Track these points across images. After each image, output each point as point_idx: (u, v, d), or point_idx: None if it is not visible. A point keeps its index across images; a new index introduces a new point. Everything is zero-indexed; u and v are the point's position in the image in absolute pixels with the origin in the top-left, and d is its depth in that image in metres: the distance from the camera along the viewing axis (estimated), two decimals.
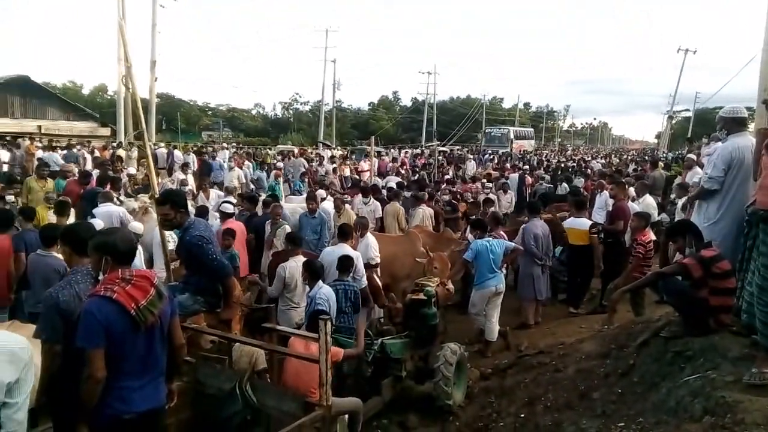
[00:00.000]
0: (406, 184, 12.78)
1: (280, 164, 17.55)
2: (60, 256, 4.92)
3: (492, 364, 6.21)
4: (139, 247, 6.06)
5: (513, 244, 6.94)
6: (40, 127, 24.55)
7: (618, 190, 8.16)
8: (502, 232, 7.36)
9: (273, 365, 4.60)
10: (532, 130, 56.71)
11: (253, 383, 3.87)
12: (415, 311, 5.45)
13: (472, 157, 27.19)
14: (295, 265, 5.90)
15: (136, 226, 6.81)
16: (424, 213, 9.46)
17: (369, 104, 70.44)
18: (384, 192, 10.88)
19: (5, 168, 14.65)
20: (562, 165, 24.15)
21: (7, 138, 20.59)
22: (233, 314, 4.31)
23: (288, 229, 7.40)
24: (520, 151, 37.57)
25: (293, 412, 3.63)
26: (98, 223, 6.98)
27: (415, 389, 5.42)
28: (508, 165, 22.39)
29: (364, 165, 18.87)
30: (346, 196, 10.26)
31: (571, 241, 7.71)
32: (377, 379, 5.04)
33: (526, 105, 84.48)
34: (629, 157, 33.55)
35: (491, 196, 11.14)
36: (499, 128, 48.07)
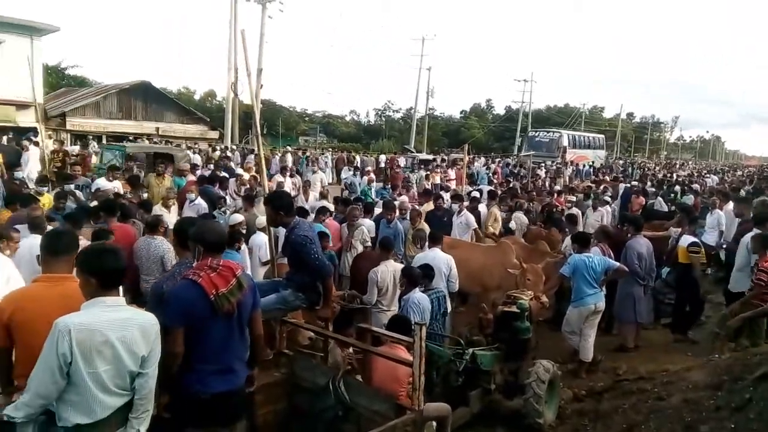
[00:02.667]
0: (499, 193, 12.53)
1: (369, 168, 17.95)
2: (161, 239, 5.91)
3: (586, 386, 5.92)
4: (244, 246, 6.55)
5: (616, 263, 6.55)
6: (158, 129, 26.87)
7: (742, 207, 7.50)
8: (605, 247, 6.95)
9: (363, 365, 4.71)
10: (602, 137, 45.18)
11: (346, 381, 3.99)
12: (507, 324, 5.34)
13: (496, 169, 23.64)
14: (386, 269, 6.00)
15: (237, 218, 7.21)
16: (521, 221, 9.22)
17: (461, 112, 70.01)
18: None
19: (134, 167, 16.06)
20: (669, 180, 22.60)
21: (130, 138, 22.75)
22: (330, 313, 4.45)
23: (366, 231, 7.51)
24: (578, 163, 31.12)
25: (384, 412, 3.70)
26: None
27: (504, 404, 5.29)
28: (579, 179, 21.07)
29: (452, 173, 18.81)
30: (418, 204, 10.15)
31: (680, 259, 7.18)
32: (466, 389, 4.99)
33: (629, 115, 79.93)
34: (745, 174, 30.70)
35: (573, 210, 10.64)
36: (547, 132, 38.82)
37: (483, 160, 27.27)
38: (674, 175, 27.79)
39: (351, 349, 4.44)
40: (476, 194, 11.43)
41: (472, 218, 9.31)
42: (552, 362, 5.34)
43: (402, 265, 6.26)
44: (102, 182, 9.48)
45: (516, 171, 21.60)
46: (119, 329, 2.51)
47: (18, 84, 21.09)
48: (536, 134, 38.64)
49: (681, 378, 5.11)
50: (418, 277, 5.28)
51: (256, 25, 27.02)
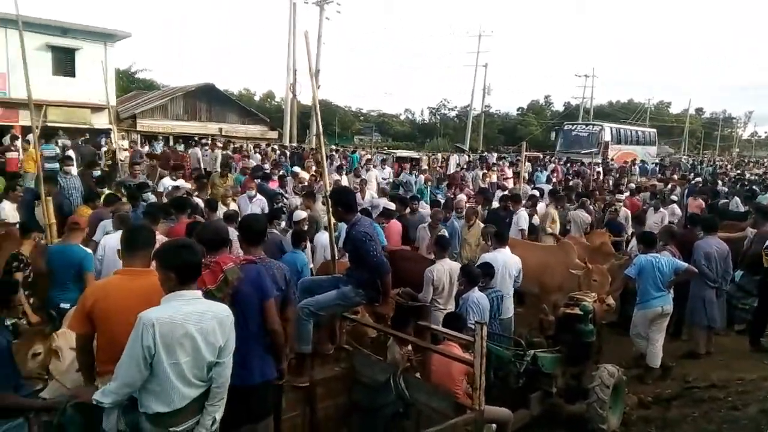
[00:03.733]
0: (560, 191, 12.16)
1: (425, 167, 17.88)
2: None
3: (653, 392, 5.70)
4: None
5: (684, 264, 6.25)
6: (221, 129, 27.88)
7: None
8: (674, 249, 6.65)
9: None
10: (653, 131, 39.09)
11: (406, 377, 4.02)
12: (569, 326, 5.20)
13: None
14: (441, 268, 5.97)
15: (300, 214, 7.37)
16: (580, 219, 8.94)
17: (518, 109, 68.57)
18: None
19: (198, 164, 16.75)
20: (742, 178, 21.29)
21: (195, 139, 23.75)
22: (388, 309, 4.50)
23: (446, 234, 7.37)
24: (624, 161, 26.85)
25: (443, 410, 3.70)
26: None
27: (566, 408, 5.17)
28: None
29: (508, 171, 18.43)
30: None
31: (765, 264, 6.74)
32: (526, 391, 4.91)
33: (698, 110, 75.66)
34: None
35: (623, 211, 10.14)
36: (586, 125, 33.24)
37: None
38: (746, 174, 26.10)
39: (410, 347, 4.46)
40: (535, 193, 11.18)
41: (522, 219, 9.05)
42: (617, 367, 5.17)
43: (458, 264, 6.23)
44: (167, 181, 9.99)
45: (575, 170, 20.85)
46: (198, 321, 2.63)
47: (93, 88, 22.38)
48: (573, 127, 32.76)
49: (758, 387, 4.85)
50: (477, 275, 5.23)
51: (313, 26, 27.56)
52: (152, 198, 8.59)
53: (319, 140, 5.39)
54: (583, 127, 32.85)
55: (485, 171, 16.94)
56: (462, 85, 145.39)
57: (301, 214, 7.18)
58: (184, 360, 2.59)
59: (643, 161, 26.58)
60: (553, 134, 38.12)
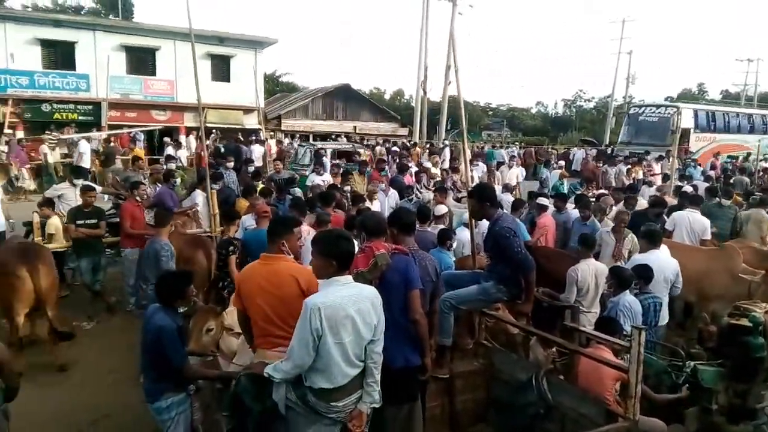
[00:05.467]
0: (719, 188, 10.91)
1: (562, 162, 17.06)
2: None
3: None
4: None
5: None
6: (355, 127, 29.18)
7: None
8: None
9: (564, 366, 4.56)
10: (764, 113, 28.04)
11: (549, 379, 3.91)
12: (735, 339, 4.67)
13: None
14: (587, 268, 5.69)
15: (441, 209, 7.41)
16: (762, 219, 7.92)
17: (666, 98, 62.65)
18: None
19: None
20: None
21: (332, 137, 25.12)
22: (530, 308, 4.40)
23: (635, 240, 6.93)
24: (715, 155, 21.21)
25: (592, 416, 3.55)
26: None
27: (727, 428, 4.66)
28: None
29: (656, 167, 16.92)
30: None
31: None
32: (681, 406, 4.52)
33: None
34: None
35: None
36: (656, 107, 24.85)
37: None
38: None
39: (554, 348, 4.32)
40: (688, 189, 10.15)
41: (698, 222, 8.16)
42: None
43: (604, 265, 5.89)
44: (313, 177, 10.72)
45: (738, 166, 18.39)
46: (356, 303, 2.85)
47: (244, 91, 24.66)
48: (640, 111, 24.95)
49: None
50: (629, 278, 4.91)
51: (445, 22, 27.57)
52: (298, 192, 9.26)
53: (464, 137, 5.42)
54: (653, 110, 24.50)
55: (629, 166, 15.75)
56: (601, 75, 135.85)
57: (442, 209, 7.23)
58: (347, 339, 2.81)
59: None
60: (613, 120, 31.37)
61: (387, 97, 62.92)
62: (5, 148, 15.83)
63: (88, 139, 16.69)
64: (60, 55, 22.13)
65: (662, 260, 5.67)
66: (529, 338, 4.68)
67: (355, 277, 3.21)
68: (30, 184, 14.90)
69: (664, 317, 5.55)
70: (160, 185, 9.18)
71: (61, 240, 7.59)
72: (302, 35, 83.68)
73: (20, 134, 19.65)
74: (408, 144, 22.50)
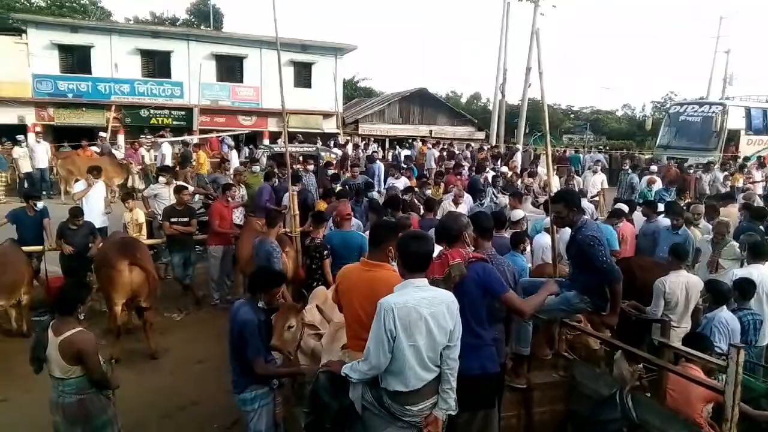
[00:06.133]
0: None
1: (654, 167, 16.07)
2: None
3: None
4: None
5: None
6: (431, 131, 29.15)
7: None
8: None
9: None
10: None
11: (635, 396, 3.72)
12: None
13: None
14: (676, 280, 5.35)
15: (518, 214, 7.26)
16: None
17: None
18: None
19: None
20: None
21: (408, 141, 25.22)
22: (615, 320, 4.19)
23: (736, 246, 6.53)
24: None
25: None
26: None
27: None
28: None
29: (757, 174, 15.56)
30: None
31: None
32: None
33: None
34: None
35: None
36: (699, 106, 21.27)
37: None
38: None
39: (641, 364, 4.09)
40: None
41: None
42: None
43: (697, 278, 5.51)
44: (391, 180, 10.88)
45: None
46: (430, 306, 2.82)
47: (324, 97, 25.36)
48: (681, 110, 21.55)
49: None
50: (726, 293, 4.56)
51: (526, 23, 26.89)
52: (376, 195, 9.41)
53: (546, 140, 5.27)
54: (695, 108, 20.81)
55: (725, 173, 14.63)
56: (694, 75, 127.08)
57: (519, 214, 7.07)
58: (421, 342, 2.79)
59: None
60: (647, 119, 26.90)
61: (463, 100, 62.37)
62: (121, 150, 17.22)
63: (172, 143, 17.74)
64: (157, 64, 23.79)
65: (765, 275, 5.23)
66: (611, 352, 4.47)
67: (432, 284, 3.19)
68: (140, 183, 16.05)
69: (765, 336, 5.11)
70: (243, 186, 9.65)
71: (144, 232, 8.19)
72: (381, 41, 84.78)
73: (121, 138, 21.33)
74: (484, 147, 22.20)
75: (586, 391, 4.09)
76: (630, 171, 13.91)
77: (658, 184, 12.10)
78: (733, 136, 19.63)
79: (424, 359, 2.82)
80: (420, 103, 30.46)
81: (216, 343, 6.28)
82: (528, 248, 6.13)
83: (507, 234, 6.38)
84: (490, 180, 11.52)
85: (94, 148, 17.03)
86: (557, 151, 25.19)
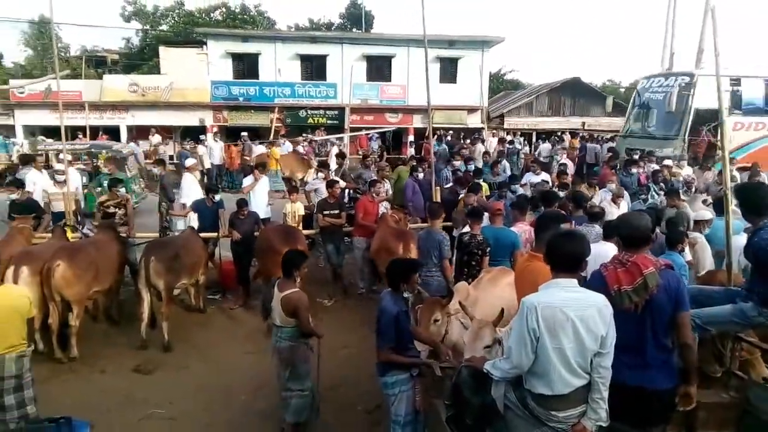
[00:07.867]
0: None
1: None
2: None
3: None
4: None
5: None
6: (583, 123, 27.38)
7: None
8: None
9: None
10: None
11: None
12: None
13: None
14: None
15: (704, 215, 6.63)
16: None
17: None
18: None
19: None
20: None
21: (558, 134, 24.04)
22: None
23: None
24: None
25: None
26: None
27: None
28: None
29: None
30: None
31: None
32: None
33: None
34: None
35: None
36: (665, 78, 14.75)
37: None
38: None
39: None
40: None
41: None
42: None
43: None
44: (529, 175, 10.60)
45: None
46: (577, 308, 2.67)
47: (469, 91, 25.12)
48: (647, 84, 15.55)
49: None
50: None
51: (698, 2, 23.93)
52: (520, 190, 9.14)
53: (721, 131, 4.67)
54: (660, 82, 14.94)
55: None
56: None
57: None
58: (568, 345, 2.66)
59: None
60: (609, 100, 20.74)
61: (622, 90, 57.61)
62: (304, 146, 18.96)
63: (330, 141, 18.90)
64: (315, 68, 25.58)
65: None
66: None
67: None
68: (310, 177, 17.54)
69: None
70: (387, 181, 10.09)
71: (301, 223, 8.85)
72: (529, 30, 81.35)
73: (283, 138, 23.34)
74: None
75: (764, 417, 3.58)
76: None
77: None
78: (707, 119, 13.38)
79: (570, 363, 2.68)
80: (572, 93, 28.74)
81: (360, 331, 6.61)
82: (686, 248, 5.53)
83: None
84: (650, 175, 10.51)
85: (278, 149, 18.59)
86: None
